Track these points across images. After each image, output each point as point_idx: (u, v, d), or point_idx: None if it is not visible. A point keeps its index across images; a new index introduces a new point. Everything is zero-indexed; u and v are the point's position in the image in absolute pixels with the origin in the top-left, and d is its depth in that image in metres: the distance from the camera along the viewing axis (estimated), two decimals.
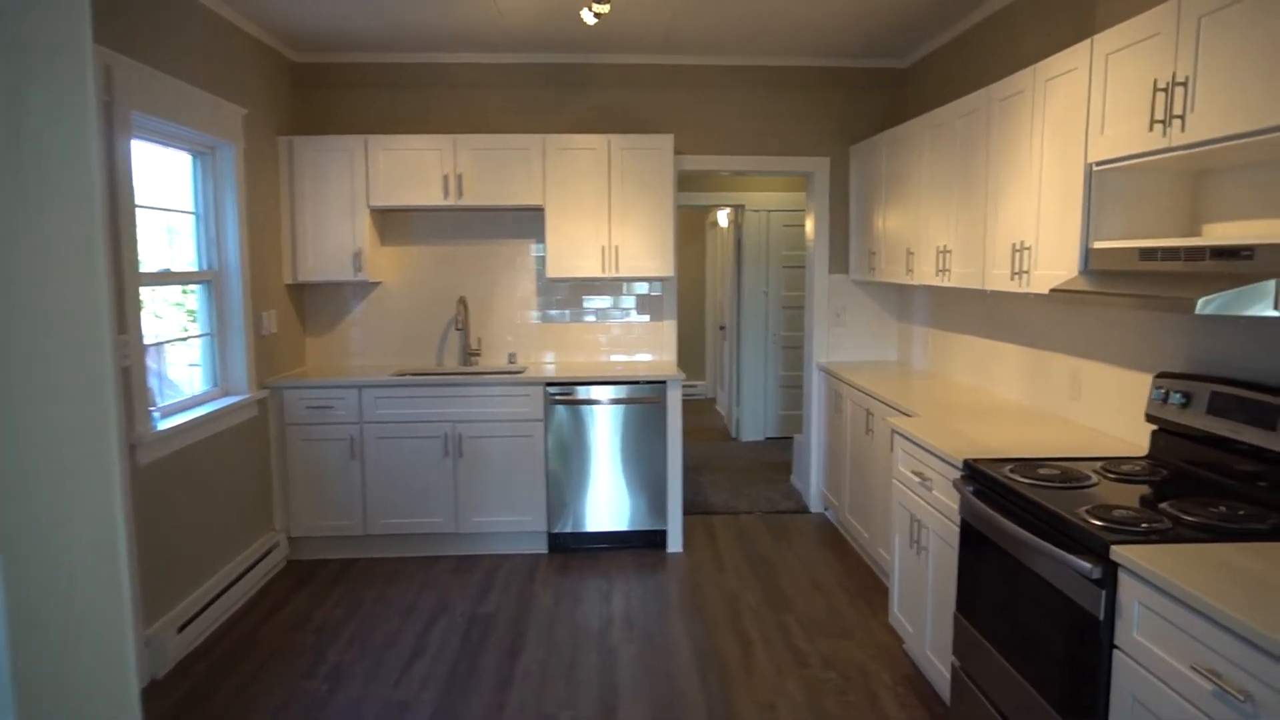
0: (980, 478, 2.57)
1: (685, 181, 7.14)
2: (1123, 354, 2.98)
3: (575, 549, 4.71)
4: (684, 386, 10.24)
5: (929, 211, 3.93)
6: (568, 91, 5.07)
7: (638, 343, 5.25)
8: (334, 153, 4.70)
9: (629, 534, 4.71)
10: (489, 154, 4.73)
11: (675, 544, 4.68)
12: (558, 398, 4.56)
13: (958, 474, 2.74)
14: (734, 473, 6.28)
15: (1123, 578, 1.88)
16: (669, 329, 5.23)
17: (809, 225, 5.34)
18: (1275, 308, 1.87)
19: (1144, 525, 2.00)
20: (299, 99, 4.99)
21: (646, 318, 5.24)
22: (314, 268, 4.75)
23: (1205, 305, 1.92)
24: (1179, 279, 2.16)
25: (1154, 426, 2.71)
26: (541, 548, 4.71)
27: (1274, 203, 2.29)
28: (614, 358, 5.24)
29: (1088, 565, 1.93)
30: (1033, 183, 2.97)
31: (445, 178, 4.72)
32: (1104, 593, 1.92)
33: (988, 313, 4.03)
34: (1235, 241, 2.02)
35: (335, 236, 4.74)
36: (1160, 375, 2.65)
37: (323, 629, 3.77)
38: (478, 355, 5.16)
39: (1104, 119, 2.53)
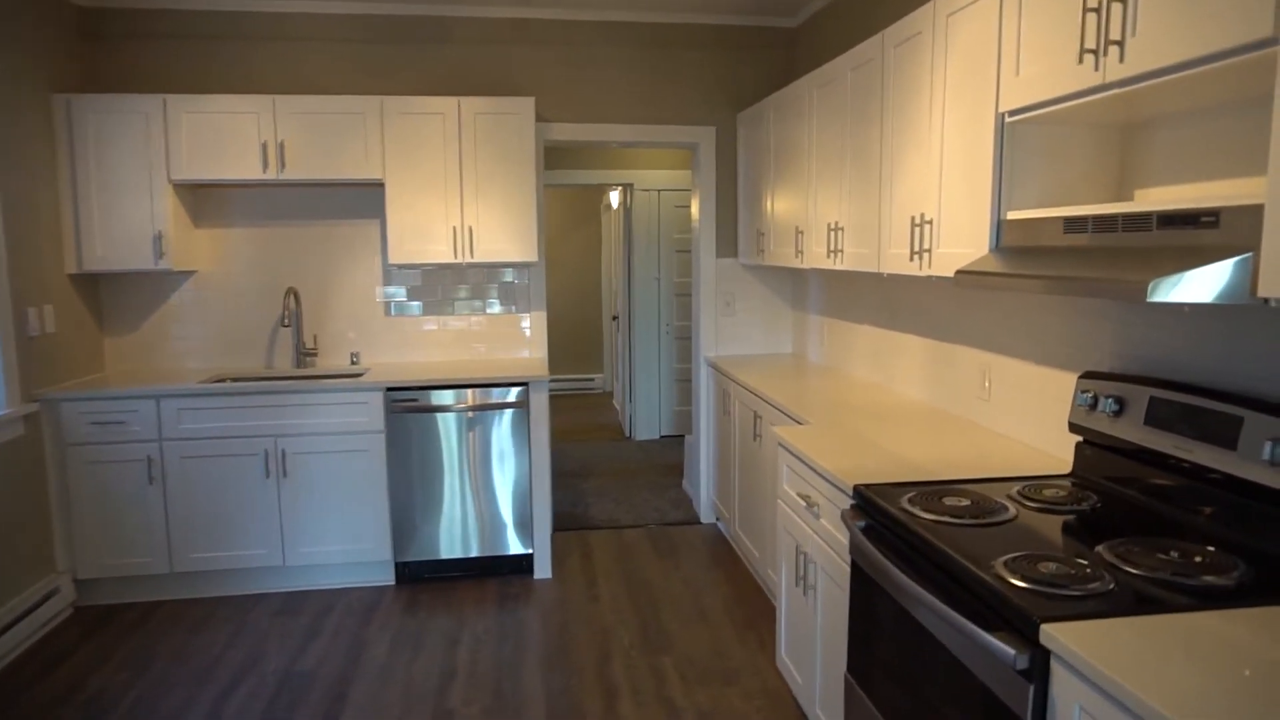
0: (873, 510, 2.05)
1: (570, 158, 6.52)
2: (1040, 348, 2.50)
3: (428, 579, 4.06)
4: (580, 381, 9.67)
5: (820, 183, 3.41)
6: (413, 49, 4.38)
7: (503, 338, 4.61)
8: (125, 115, 3.90)
9: (491, 560, 4.08)
10: (317, 119, 4.01)
11: (543, 569, 4.08)
12: (401, 404, 3.90)
13: (848, 502, 2.21)
14: (623, 477, 5.71)
15: (1057, 669, 1.36)
16: (537, 322, 4.61)
17: (694, 203, 4.79)
18: (1253, 293, 1.37)
19: (1078, 588, 1.49)
20: (86, 52, 4.16)
21: (512, 310, 4.60)
22: (103, 255, 3.94)
23: (1160, 290, 1.41)
24: (1117, 256, 1.66)
25: (1079, 438, 2.23)
26: (387, 579, 4.04)
27: (1225, 159, 1.82)
28: (475, 356, 4.60)
29: (1010, 651, 1.41)
30: (934, 143, 2.46)
31: (264, 146, 3.98)
32: (1032, 688, 1.40)
33: (887, 299, 3.55)
34: (1194, 205, 1.52)
35: (130, 217, 3.94)
36: (1086, 375, 2.17)
37: (94, 701, 3.04)
38: (314, 355, 4.44)
39: (1019, 55, 2.01)
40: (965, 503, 1.96)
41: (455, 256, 4.15)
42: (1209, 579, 1.53)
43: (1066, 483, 2.14)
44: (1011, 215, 2.10)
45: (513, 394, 3.96)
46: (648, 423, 6.84)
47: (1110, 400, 2.03)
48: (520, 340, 4.62)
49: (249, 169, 3.98)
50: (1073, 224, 1.84)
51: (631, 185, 6.63)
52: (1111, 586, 1.50)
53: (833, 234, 3.24)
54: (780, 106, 3.87)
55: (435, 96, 4.10)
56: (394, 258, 4.12)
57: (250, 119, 3.97)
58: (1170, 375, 1.99)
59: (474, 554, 4.03)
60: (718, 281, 4.74)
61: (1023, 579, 1.53)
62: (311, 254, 4.42)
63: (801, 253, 3.60)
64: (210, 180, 3.99)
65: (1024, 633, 1.42)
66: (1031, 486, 2.09)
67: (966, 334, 2.91)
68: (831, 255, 3.25)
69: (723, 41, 4.58)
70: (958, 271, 2.06)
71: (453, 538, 4.01)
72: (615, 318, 7.66)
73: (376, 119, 4.04)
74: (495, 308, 4.58)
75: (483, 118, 4.12)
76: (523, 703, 2.97)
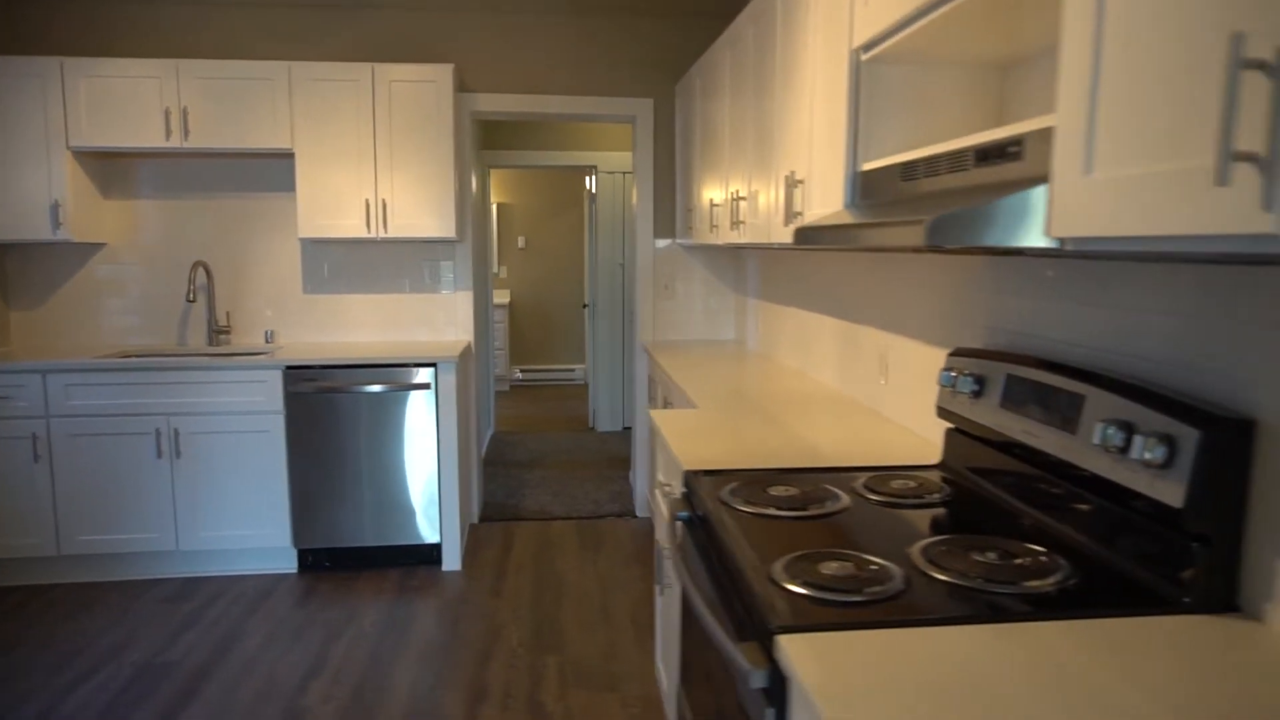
0: (693, 498, 1.80)
1: (536, 138, 6.30)
2: (929, 325, 2.24)
3: (330, 568, 3.86)
4: (561, 372, 9.42)
5: (732, 150, 3.16)
6: (329, 14, 4.17)
7: (429, 319, 4.39)
8: (20, 78, 3.73)
9: (398, 549, 3.88)
10: (222, 85, 3.81)
11: (452, 561, 3.86)
12: (302, 384, 3.69)
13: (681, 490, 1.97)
14: (570, 468, 5.49)
15: (794, 692, 1.11)
16: (464, 301, 4.39)
17: (635, 180, 4.54)
18: (1048, 232, 1.12)
19: (853, 594, 1.24)
20: None
21: (439, 289, 4.39)
22: None
23: (937, 232, 1.15)
24: (937, 200, 1.40)
25: (948, 424, 1.97)
26: (289, 566, 3.85)
27: None
28: (398, 337, 4.38)
29: (745, 665, 1.16)
30: (808, 91, 2.21)
31: (166, 113, 3.79)
32: (772, 711, 1.15)
33: (807, 279, 3.29)
34: (1003, 134, 1.27)
35: (24, 184, 3.77)
36: (954, 353, 1.90)
37: None
38: (227, 333, 4.25)
39: None
40: (792, 493, 1.71)
41: (368, 231, 3.95)
42: (1028, 584, 1.27)
43: (931, 474, 1.88)
44: (867, 166, 1.84)
45: (422, 375, 3.75)
46: (610, 413, 6.60)
47: (969, 379, 1.77)
48: (448, 321, 4.40)
49: (151, 136, 3.80)
50: (908, 170, 1.59)
51: (595, 167, 6.39)
52: (897, 592, 1.25)
53: (734, 204, 2.99)
54: (705, 72, 3.62)
55: (347, 63, 3.89)
56: (303, 231, 3.91)
57: (152, 83, 3.78)
58: (1032, 349, 1.72)
59: (380, 543, 3.83)
60: (656, 264, 4.49)
61: (799, 581, 1.29)
62: (226, 228, 4.24)
63: (716, 227, 3.35)
64: (111, 148, 3.81)
65: (764, 645, 1.17)
66: (879, 477, 1.83)
67: (870, 313, 2.65)
68: (735, 227, 3.00)
69: (662, 7, 4.32)
70: (795, 230, 1.81)
71: (358, 525, 3.80)
72: (586, 305, 7.44)
73: (284, 86, 3.84)
74: (422, 287, 4.36)
75: (399, 85, 3.91)
76: (382, 703, 2.75)
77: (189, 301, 4.08)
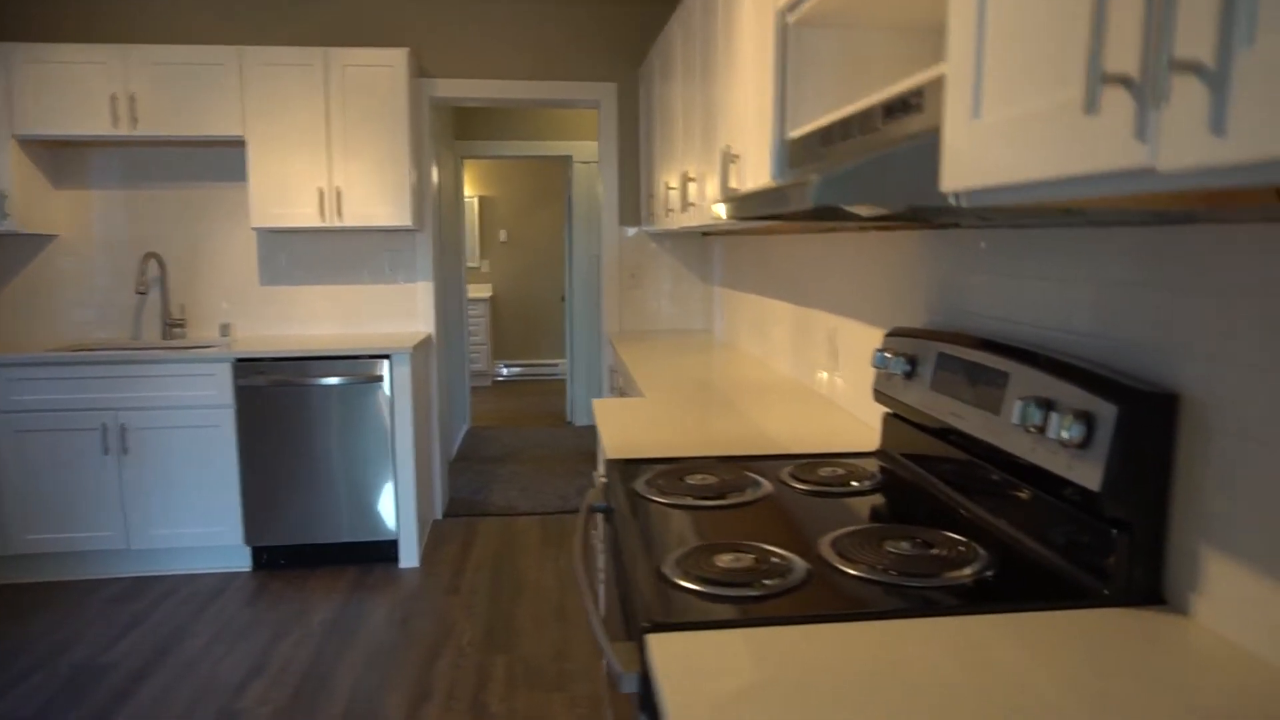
0: (611, 488, 1.70)
1: (512, 127, 6.19)
2: (873, 305, 2.13)
3: (287, 566, 3.76)
4: (544, 366, 9.32)
5: (684, 132, 3.06)
6: None
7: (391, 311, 4.29)
8: None
9: (356, 546, 3.78)
10: (171, 70, 3.71)
11: (410, 558, 3.77)
12: (254, 377, 3.59)
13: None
14: (542, 463, 5.39)
15: (665, 702, 1.01)
16: (424, 292, 4.29)
17: (601, 167, 4.44)
18: (940, 186, 1.01)
19: (748, 586, 1.14)
20: None
21: (400, 280, 4.28)
22: None
23: (825, 191, 1.05)
24: (852, 161, 1.30)
25: (885, 408, 1.87)
26: (244, 564, 3.75)
27: None
28: (360, 329, 4.28)
29: (617, 668, 1.06)
30: (741, 61, 2.10)
31: (113, 99, 3.69)
32: (644, 717, 1.05)
33: (761, 263, 3.18)
34: (904, 87, 1.16)
35: None
36: (890, 333, 1.80)
37: None
38: (181, 326, 4.15)
39: None
40: (710, 481, 1.61)
41: (322, 219, 3.84)
42: (944, 576, 1.18)
43: (867, 461, 1.78)
44: (793, 134, 1.74)
45: (377, 367, 3.65)
46: (586, 407, 6.50)
47: (902, 360, 1.67)
48: (410, 313, 4.30)
49: (98, 124, 3.70)
50: (826, 135, 1.48)
51: (570, 157, 6.28)
52: (796, 585, 1.15)
53: (685, 186, 2.89)
54: (660, 55, 3.51)
55: (299, 47, 3.79)
56: (256, 221, 3.81)
57: (99, 69, 3.68)
58: (971, 327, 1.62)
59: (337, 539, 3.73)
60: (622, 253, 4.39)
61: (690, 575, 1.19)
62: (181, 218, 4.13)
63: (671, 210, 3.25)
64: (58, 135, 3.70)
65: (639, 646, 1.07)
66: (807, 465, 1.73)
67: (820, 296, 2.54)
68: (686, 210, 2.89)
69: None
70: (718, 204, 1.70)
71: (314, 522, 3.70)
72: (562, 299, 7.33)
73: (235, 71, 3.74)
74: (382, 277, 4.26)
75: (353, 70, 3.80)
76: (319, 705, 2.66)
77: (139, 294, 3.98)
